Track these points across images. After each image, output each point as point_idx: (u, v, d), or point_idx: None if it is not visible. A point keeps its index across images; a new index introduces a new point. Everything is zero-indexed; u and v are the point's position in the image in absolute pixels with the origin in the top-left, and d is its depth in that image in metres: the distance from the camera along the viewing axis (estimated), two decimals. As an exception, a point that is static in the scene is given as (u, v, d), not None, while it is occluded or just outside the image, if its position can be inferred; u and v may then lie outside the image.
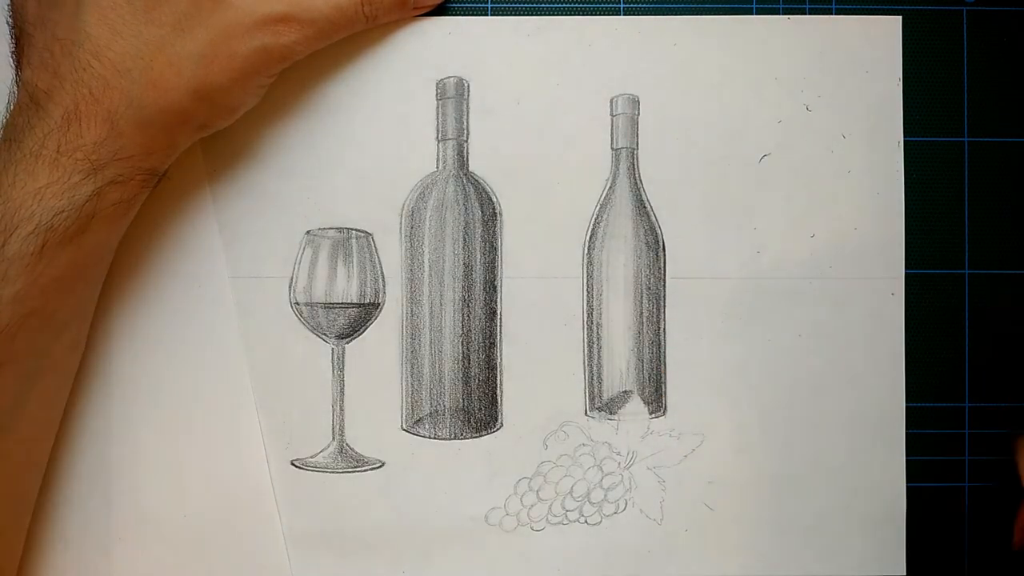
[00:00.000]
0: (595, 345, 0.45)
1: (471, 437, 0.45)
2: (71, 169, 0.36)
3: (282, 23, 0.38)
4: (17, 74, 0.38)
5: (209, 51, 0.37)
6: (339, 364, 0.44)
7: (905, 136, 0.45)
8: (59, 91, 0.36)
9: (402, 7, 0.43)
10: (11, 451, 0.39)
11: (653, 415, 0.45)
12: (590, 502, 0.45)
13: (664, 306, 0.45)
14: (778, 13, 0.45)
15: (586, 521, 0.45)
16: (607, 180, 0.44)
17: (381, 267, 0.44)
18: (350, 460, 0.44)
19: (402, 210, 0.44)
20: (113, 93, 0.36)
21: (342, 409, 0.44)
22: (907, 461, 0.44)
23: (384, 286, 0.44)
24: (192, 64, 0.37)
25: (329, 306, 0.44)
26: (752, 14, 0.45)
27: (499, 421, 0.45)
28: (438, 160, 0.44)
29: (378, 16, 0.42)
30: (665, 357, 0.45)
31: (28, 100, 0.37)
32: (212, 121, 0.40)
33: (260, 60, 0.38)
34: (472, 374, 0.44)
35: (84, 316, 0.41)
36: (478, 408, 0.44)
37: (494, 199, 0.44)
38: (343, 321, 0.44)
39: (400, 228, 0.44)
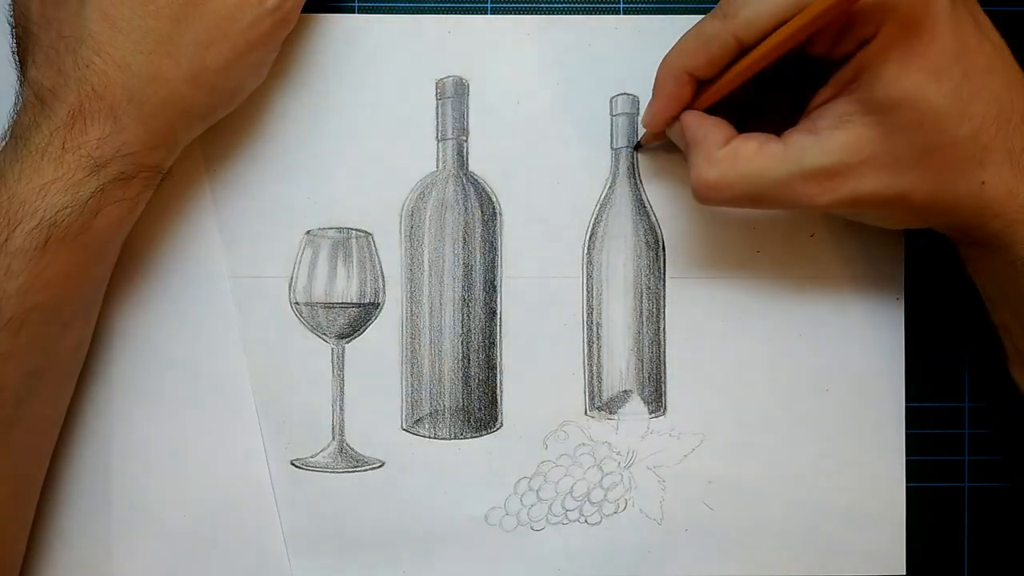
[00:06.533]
0: (595, 345, 0.45)
1: (471, 437, 0.45)
2: (75, 166, 0.36)
3: None
4: (21, 73, 0.38)
5: (206, 37, 0.37)
6: (339, 364, 0.44)
7: (905, 136, 0.44)
8: (64, 89, 0.36)
9: None
10: (15, 446, 0.39)
11: (653, 415, 0.45)
12: (590, 502, 0.45)
13: (664, 306, 0.45)
14: (778, 13, 0.44)
15: (586, 521, 0.45)
16: (607, 180, 0.44)
17: (381, 267, 0.44)
18: (350, 460, 0.44)
19: (402, 210, 0.44)
20: (115, 89, 0.37)
21: (342, 409, 0.44)
22: (907, 461, 0.44)
23: (384, 286, 0.44)
24: (190, 52, 0.37)
25: (329, 306, 0.44)
26: (752, 14, 0.44)
27: (499, 421, 0.45)
28: (438, 160, 0.44)
29: None
30: (665, 357, 0.45)
31: (34, 99, 0.37)
32: (213, 109, 0.40)
33: (253, 36, 0.38)
34: (472, 374, 0.44)
35: (89, 315, 0.41)
36: (478, 408, 0.44)
37: (494, 199, 0.44)
38: (343, 321, 0.44)
39: (400, 228, 0.44)
